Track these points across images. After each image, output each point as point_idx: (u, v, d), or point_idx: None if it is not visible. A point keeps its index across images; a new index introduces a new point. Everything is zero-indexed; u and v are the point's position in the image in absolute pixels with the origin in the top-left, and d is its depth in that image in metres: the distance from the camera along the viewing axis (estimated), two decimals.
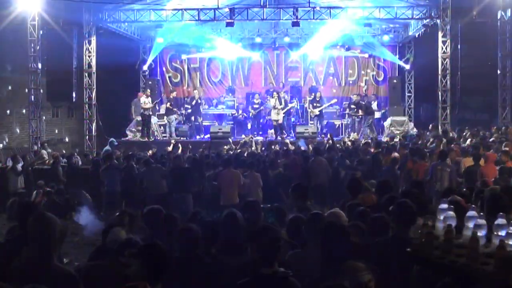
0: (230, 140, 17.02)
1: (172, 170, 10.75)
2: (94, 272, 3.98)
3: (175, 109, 20.01)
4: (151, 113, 19.01)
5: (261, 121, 20.39)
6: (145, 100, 18.67)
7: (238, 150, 14.89)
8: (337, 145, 14.57)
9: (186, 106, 20.06)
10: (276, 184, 10.46)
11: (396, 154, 11.66)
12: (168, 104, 20.03)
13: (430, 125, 17.47)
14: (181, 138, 18.64)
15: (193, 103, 19.97)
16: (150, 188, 10.89)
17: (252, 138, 17.47)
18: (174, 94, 21.06)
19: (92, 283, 3.86)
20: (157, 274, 3.29)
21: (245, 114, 20.46)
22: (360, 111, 19.41)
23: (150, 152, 14.64)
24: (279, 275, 3.44)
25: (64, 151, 17.87)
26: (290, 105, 19.83)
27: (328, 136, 15.20)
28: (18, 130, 18.39)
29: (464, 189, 6.99)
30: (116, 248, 4.07)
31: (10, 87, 17.99)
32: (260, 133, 20.01)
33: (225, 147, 16.02)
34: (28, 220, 3.71)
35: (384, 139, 17.02)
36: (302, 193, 6.08)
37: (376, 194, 6.34)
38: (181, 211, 9.15)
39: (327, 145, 13.95)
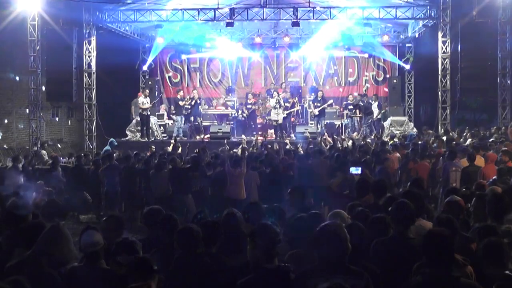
0: (225, 141, 17.00)
1: (170, 171, 10.76)
2: (90, 273, 3.99)
3: (188, 106, 19.86)
4: (149, 113, 19.00)
5: (260, 121, 20.39)
6: (143, 101, 18.67)
7: (235, 150, 14.86)
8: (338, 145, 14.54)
9: (186, 106, 20.02)
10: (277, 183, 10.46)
11: (397, 154, 11.66)
12: (183, 102, 19.84)
13: (424, 130, 17.50)
14: (182, 138, 18.63)
15: (193, 103, 19.94)
16: (155, 190, 10.89)
17: (250, 138, 17.48)
18: (181, 93, 20.87)
19: (88, 283, 3.88)
20: (150, 275, 3.38)
21: (244, 114, 20.43)
22: (358, 112, 19.40)
23: (149, 152, 14.62)
24: (283, 269, 3.49)
25: (70, 151, 17.89)
26: (295, 108, 19.91)
27: (325, 135, 15.19)
28: (18, 130, 18.39)
29: (464, 189, 7.00)
30: (112, 248, 4.09)
31: (10, 87, 17.98)
32: (260, 133, 20.03)
33: (220, 148, 15.97)
34: (46, 228, 3.88)
35: (384, 139, 16.99)
36: (300, 195, 6.08)
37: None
38: (182, 212, 9.20)
39: (327, 144, 13.96)
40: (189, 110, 19.86)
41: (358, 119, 19.55)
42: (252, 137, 18.20)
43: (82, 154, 14.52)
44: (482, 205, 5.09)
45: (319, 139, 15.69)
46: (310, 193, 9.27)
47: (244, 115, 20.08)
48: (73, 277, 3.94)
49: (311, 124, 19.92)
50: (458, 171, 9.57)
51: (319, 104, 19.56)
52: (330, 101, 20.51)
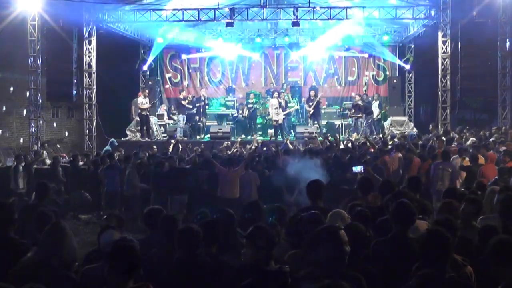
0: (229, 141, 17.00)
1: (168, 172, 10.82)
2: (93, 274, 3.99)
3: (189, 106, 19.84)
4: (148, 113, 19.00)
5: (261, 121, 20.37)
6: (142, 101, 18.67)
7: (234, 150, 14.90)
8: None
9: (187, 106, 19.98)
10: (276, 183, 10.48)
11: (399, 154, 11.64)
12: (185, 102, 19.77)
13: (430, 126, 17.47)
14: (184, 138, 18.63)
15: (202, 103, 19.96)
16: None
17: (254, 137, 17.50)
18: (184, 93, 20.80)
19: (92, 285, 3.88)
20: (127, 273, 3.35)
21: (244, 115, 20.41)
22: (360, 112, 19.33)
23: (151, 152, 14.64)
24: (284, 270, 3.50)
25: (70, 152, 17.89)
26: (294, 107, 19.90)
27: (327, 135, 15.21)
28: (18, 130, 18.38)
29: (463, 189, 7.01)
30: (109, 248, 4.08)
31: (10, 87, 17.98)
32: (260, 133, 20.02)
33: (220, 146, 15.99)
34: (45, 228, 3.90)
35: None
36: (317, 191, 6.01)
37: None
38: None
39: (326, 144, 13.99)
40: (194, 110, 19.83)
41: (362, 119, 19.39)
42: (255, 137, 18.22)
43: (78, 154, 14.55)
44: (472, 209, 5.08)
45: (320, 139, 15.69)
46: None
47: (245, 115, 20.06)
48: (90, 277, 3.92)
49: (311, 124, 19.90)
50: (447, 171, 9.58)
51: (311, 104, 19.49)
52: (320, 99, 20.35)
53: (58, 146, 19.80)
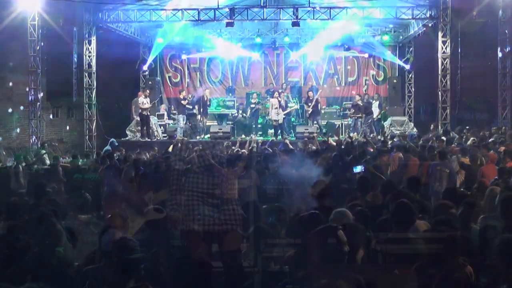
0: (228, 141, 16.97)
1: (166, 171, 10.81)
2: (93, 274, 3.99)
3: (189, 106, 19.86)
4: (149, 113, 19.00)
5: (261, 121, 20.38)
6: (143, 101, 18.68)
7: (236, 150, 14.89)
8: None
9: (187, 106, 19.97)
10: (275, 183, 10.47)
11: (399, 154, 11.64)
12: (185, 102, 19.77)
13: (432, 125, 17.47)
14: (184, 138, 18.62)
15: (207, 102, 19.95)
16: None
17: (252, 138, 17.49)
18: (184, 93, 20.80)
19: (92, 285, 3.88)
20: (127, 273, 3.33)
21: (245, 114, 20.44)
22: (360, 112, 19.34)
23: (152, 152, 14.65)
24: (284, 270, 3.51)
25: (70, 152, 17.89)
26: (294, 107, 19.89)
27: (328, 136, 15.21)
28: (18, 130, 18.37)
29: (462, 189, 7.01)
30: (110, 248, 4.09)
31: (10, 87, 17.98)
32: (260, 133, 20.01)
33: (220, 147, 15.99)
34: (40, 228, 3.90)
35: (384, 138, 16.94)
36: (323, 191, 6.00)
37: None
38: None
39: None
40: (194, 110, 19.82)
41: (362, 119, 19.38)
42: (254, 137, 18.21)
43: (78, 154, 14.56)
44: (471, 212, 5.08)
45: (319, 138, 15.71)
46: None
47: (246, 115, 20.05)
48: (91, 278, 3.93)
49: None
50: (444, 171, 9.57)
51: (310, 104, 19.50)
52: (319, 98, 20.34)
53: (72, 150, 19.77)
